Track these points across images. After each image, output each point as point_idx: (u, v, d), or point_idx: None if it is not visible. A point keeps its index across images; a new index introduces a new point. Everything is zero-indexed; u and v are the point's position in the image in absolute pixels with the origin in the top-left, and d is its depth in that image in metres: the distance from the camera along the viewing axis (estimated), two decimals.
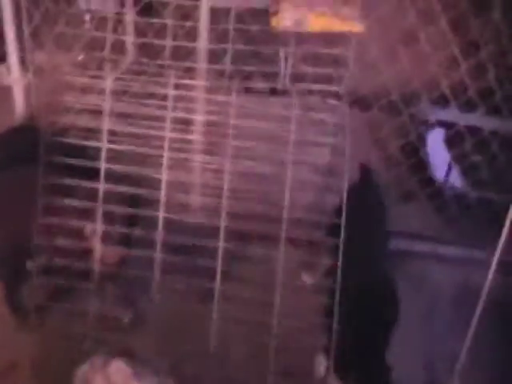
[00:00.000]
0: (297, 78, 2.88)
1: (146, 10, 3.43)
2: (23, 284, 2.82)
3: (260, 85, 2.98)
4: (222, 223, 2.64)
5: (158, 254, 2.65)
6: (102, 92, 2.80)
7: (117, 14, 3.49)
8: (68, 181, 2.60)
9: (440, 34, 3.22)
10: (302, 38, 2.96)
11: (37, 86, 3.37)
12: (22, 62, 3.32)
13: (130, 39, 3.73)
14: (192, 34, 3.09)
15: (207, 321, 2.63)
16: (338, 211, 2.63)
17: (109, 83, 2.74)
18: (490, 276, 2.22)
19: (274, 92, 3.04)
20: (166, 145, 2.69)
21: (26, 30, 3.22)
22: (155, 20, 3.10)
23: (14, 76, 3.34)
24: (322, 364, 2.68)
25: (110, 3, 3.65)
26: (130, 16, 3.64)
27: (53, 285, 2.69)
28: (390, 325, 2.56)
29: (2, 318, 2.80)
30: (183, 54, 3.05)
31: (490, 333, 3.01)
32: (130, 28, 3.77)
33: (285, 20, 2.90)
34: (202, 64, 3.13)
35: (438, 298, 3.25)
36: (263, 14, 3.11)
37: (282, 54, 2.93)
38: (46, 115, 3.07)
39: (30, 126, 3.24)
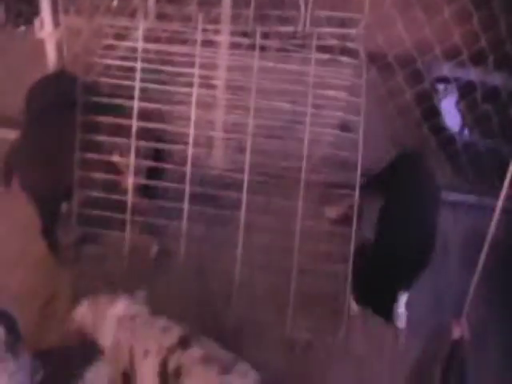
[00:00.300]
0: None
1: None
2: (59, 223, 3.02)
3: (282, 29, 2.99)
4: (246, 176, 2.77)
5: (186, 205, 2.81)
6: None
7: None
8: (102, 119, 2.75)
9: None
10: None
11: (68, 38, 3.53)
12: (55, 16, 3.46)
13: None
14: None
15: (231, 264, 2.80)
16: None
17: (141, 27, 2.85)
18: (495, 220, 2.35)
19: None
20: (194, 100, 2.81)
21: None
22: None
23: (47, 30, 3.47)
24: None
25: None
26: None
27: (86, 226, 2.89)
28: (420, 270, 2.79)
29: (42, 254, 2.99)
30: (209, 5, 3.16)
31: (497, 273, 3.24)
32: None
33: None
34: (226, 10, 3.20)
35: (448, 242, 3.41)
36: None
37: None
38: (80, 64, 3.21)
39: (66, 72, 3.35)
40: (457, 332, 2.08)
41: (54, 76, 3.43)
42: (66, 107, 2.90)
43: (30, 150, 2.92)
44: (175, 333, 2.11)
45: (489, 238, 2.30)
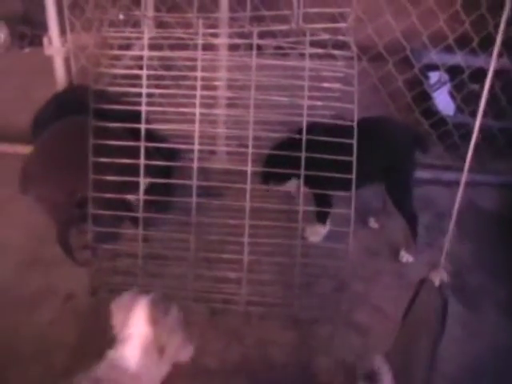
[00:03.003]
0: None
1: None
2: (72, 228, 3.17)
3: (277, 28, 3.05)
4: (249, 168, 2.91)
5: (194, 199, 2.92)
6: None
7: None
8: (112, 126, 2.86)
9: None
10: None
11: (76, 54, 3.73)
12: (62, 33, 3.67)
13: None
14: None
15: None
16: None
17: (146, 36, 2.96)
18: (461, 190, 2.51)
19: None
20: (198, 101, 2.92)
21: (65, 3, 3.58)
22: None
23: (55, 46, 3.69)
24: None
25: None
26: None
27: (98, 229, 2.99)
28: None
29: (59, 256, 3.13)
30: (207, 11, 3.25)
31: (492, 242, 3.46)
32: None
33: None
34: (224, 14, 3.43)
35: (442, 217, 3.62)
36: None
37: None
38: (88, 76, 3.32)
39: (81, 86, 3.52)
40: (436, 279, 2.30)
41: (64, 91, 3.64)
42: (76, 116, 3.05)
43: (42, 162, 3.06)
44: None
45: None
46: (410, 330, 2.43)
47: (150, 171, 2.98)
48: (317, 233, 3.40)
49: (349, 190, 2.91)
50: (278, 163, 3.07)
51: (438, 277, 2.31)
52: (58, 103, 3.41)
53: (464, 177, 2.44)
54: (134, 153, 2.91)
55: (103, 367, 2.01)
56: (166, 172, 3.13)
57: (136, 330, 2.06)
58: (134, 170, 2.93)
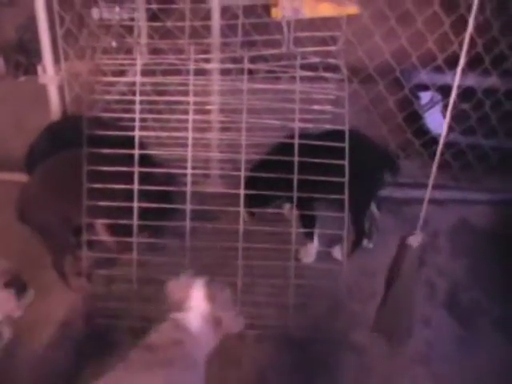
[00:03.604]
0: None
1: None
2: (67, 255, 3.19)
3: (268, 52, 3.10)
4: (242, 190, 2.97)
5: (188, 223, 2.97)
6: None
7: None
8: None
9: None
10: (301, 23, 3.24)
11: (70, 82, 3.76)
12: (56, 61, 3.70)
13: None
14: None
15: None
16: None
17: (139, 62, 3.02)
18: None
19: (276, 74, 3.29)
20: (190, 125, 2.99)
21: (59, 32, 3.60)
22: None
23: (49, 75, 3.72)
24: None
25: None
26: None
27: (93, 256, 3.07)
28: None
29: (55, 282, 3.17)
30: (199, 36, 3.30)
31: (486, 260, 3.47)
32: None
33: (284, 10, 3.13)
34: (216, 39, 3.45)
35: (436, 235, 3.64)
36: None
37: (284, 23, 3.06)
38: (82, 103, 3.38)
39: (75, 116, 3.57)
40: (414, 242, 2.64)
41: (57, 122, 3.68)
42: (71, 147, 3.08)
43: (40, 191, 3.07)
44: None
45: None
46: (401, 287, 2.75)
47: (146, 196, 3.00)
48: (309, 253, 3.41)
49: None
50: (258, 185, 3.12)
51: (416, 240, 2.65)
52: (52, 135, 3.45)
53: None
54: (129, 178, 2.95)
55: (166, 326, 2.25)
56: (163, 196, 3.13)
57: (196, 304, 2.28)
58: (128, 194, 2.96)
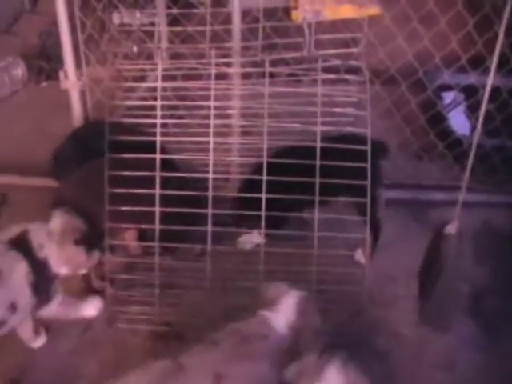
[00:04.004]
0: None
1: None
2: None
3: (288, 55, 3.14)
4: (264, 195, 2.95)
5: (209, 227, 2.97)
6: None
7: None
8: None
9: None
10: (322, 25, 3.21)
11: (91, 87, 3.78)
12: (77, 67, 3.73)
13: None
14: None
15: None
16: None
17: (160, 67, 3.03)
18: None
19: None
20: (212, 130, 3.00)
21: (80, 38, 3.63)
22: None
23: (71, 80, 3.75)
24: None
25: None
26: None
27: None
28: None
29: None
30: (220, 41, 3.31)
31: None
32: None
33: (304, 12, 3.12)
34: (236, 43, 3.42)
35: (462, 239, 3.56)
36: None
37: (305, 25, 3.06)
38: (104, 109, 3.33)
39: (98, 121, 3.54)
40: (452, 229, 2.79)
41: (83, 127, 3.71)
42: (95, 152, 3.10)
43: (73, 194, 3.10)
44: None
45: None
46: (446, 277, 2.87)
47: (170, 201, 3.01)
48: (247, 240, 3.40)
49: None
50: (247, 204, 3.09)
51: (454, 228, 2.82)
52: (78, 140, 3.46)
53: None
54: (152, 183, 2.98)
55: (255, 320, 2.44)
56: (187, 201, 3.11)
57: (284, 309, 2.48)
58: (150, 199, 2.98)
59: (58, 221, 2.78)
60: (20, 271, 2.60)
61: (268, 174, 2.96)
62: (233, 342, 2.32)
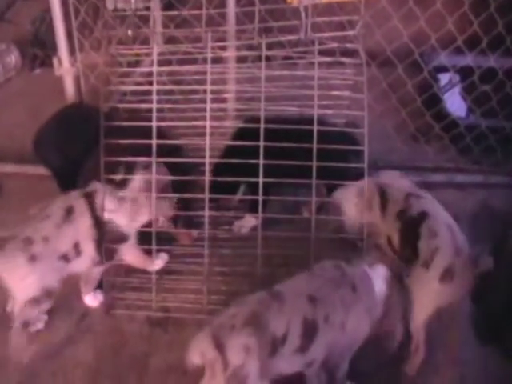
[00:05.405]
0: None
1: None
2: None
3: (284, 38, 3.08)
4: (261, 179, 2.91)
5: (206, 212, 2.92)
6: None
7: None
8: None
9: None
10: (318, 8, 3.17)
11: (85, 73, 3.76)
12: (71, 53, 3.71)
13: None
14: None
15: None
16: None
17: (155, 52, 2.96)
18: None
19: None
20: (208, 114, 2.95)
21: (74, 24, 3.61)
22: None
23: (65, 67, 3.73)
24: None
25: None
26: None
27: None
28: None
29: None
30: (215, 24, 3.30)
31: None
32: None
33: None
34: (231, 27, 3.45)
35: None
36: None
37: (301, 8, 3.00)
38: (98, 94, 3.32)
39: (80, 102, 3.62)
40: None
41: (65, 108, 3.65)
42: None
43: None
44: None
45: None
46: None
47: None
48: (246, 225, 3.39)
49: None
50: (226, 171, 3.10)
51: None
52: (60, 119, 3.44)
53: None
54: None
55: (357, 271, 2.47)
56: (182, 186, 3.10)
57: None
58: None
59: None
60: (85, 222, 2.71)
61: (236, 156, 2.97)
62: (332, 275, 2.42)
